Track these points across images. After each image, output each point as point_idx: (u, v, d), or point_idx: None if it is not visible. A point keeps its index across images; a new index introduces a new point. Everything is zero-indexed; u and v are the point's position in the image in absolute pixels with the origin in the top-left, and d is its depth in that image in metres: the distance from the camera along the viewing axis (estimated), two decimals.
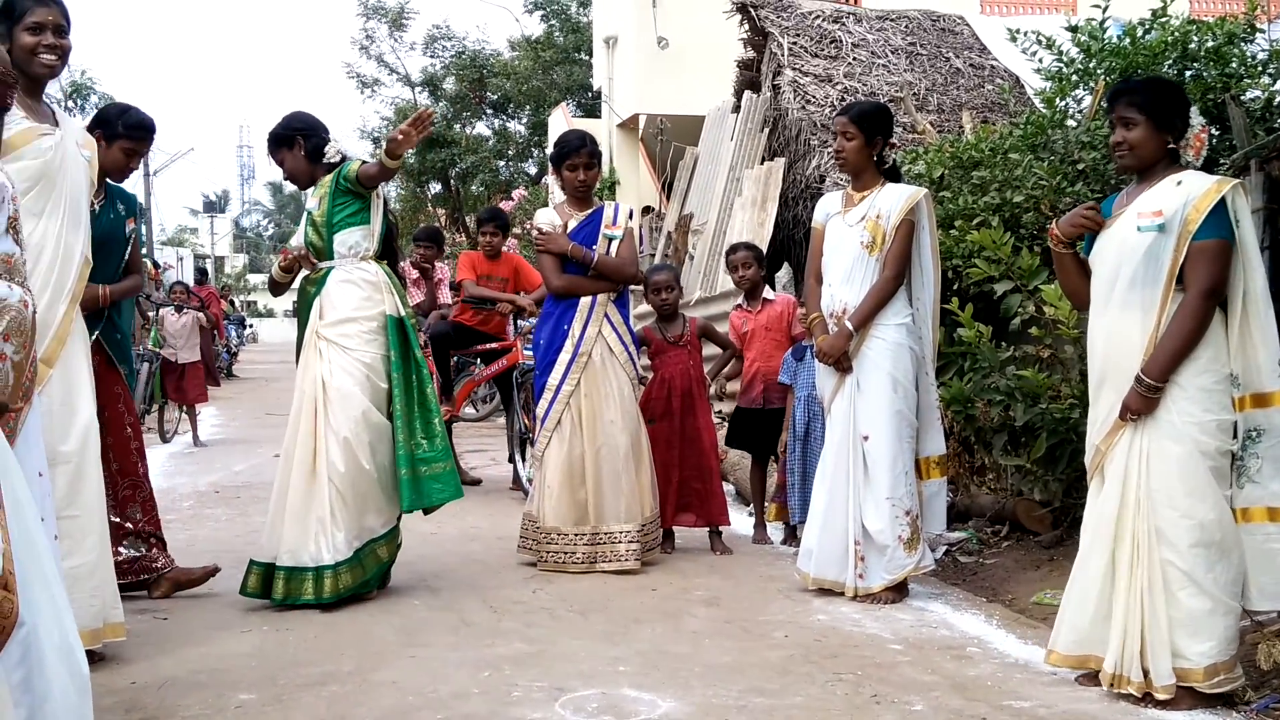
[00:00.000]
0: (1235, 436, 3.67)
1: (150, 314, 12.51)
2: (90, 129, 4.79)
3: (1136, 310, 3.72)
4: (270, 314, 73.35)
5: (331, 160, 5.40)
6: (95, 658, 3.92)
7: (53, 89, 4.35)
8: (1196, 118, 3.82)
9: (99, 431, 4.30)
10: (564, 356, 5.86)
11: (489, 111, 29.37)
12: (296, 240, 5.48)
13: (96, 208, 4.74)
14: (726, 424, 7.25)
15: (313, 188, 5.42)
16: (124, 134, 4.99)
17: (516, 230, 18.06)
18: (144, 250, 5.45)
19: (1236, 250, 3.65)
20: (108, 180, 4.98)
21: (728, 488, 7.46)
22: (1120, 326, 3.76)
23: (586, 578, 5.65)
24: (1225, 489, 3.65)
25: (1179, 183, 3.73)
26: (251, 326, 55.83)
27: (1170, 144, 3.79)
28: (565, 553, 5.75)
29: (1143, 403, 3.67)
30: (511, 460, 8.71)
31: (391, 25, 29.63)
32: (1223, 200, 3.64)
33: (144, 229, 5.61)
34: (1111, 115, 3.88)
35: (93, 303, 4.69)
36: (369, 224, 5.33)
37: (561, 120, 22.62)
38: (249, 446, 11.56)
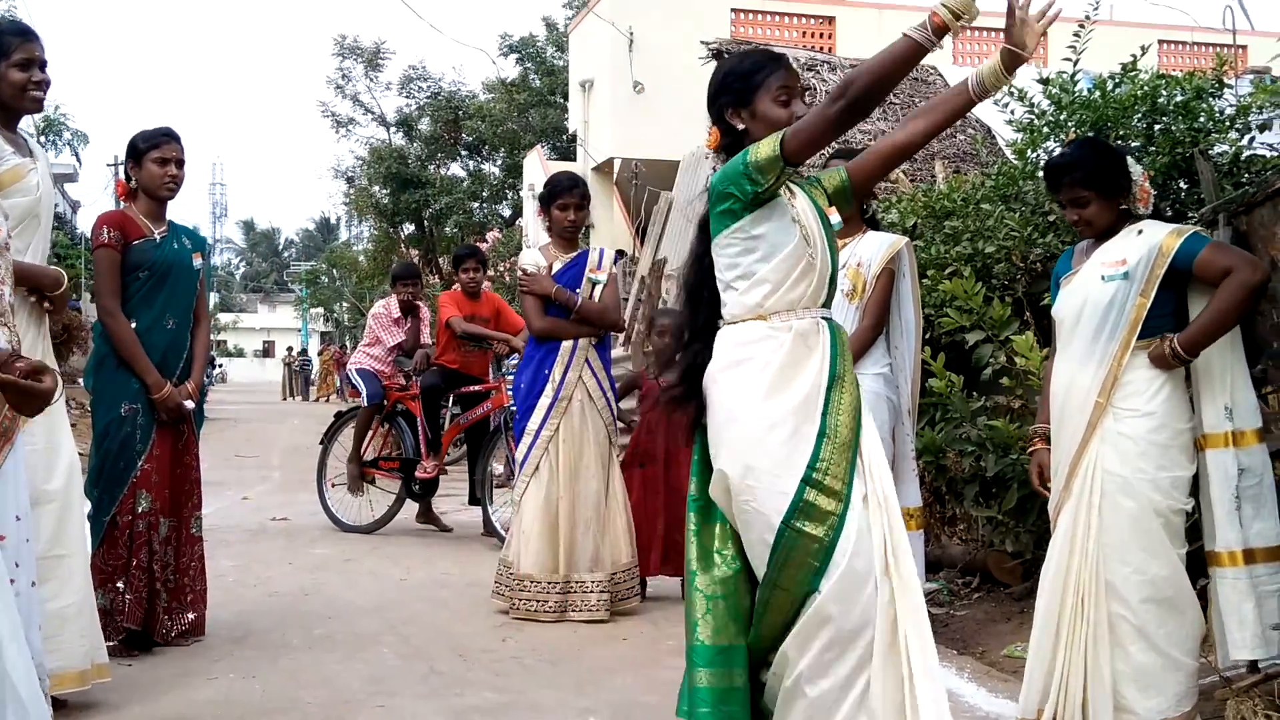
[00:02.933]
0: (1190, 494, 3.69)
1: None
2: (126, 165, 5.15)
3: (1093, 362, 3.74)
4: (240, 353, 73.06)
5: None
6: (59, 705, 3.85)
7: (25, 123, 4.40)
8: (1135, 168, 3.87)
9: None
10: (544, 401, 5.83)
11: (464, 153, 29.44)
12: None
13: (157, 237, 5.03)
14: None
15: None
16: (145, 148, 5.06)
17: (490, 272, 18.07)
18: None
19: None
20: (171, 220, 5.16)
21: None
22: (1079, 378, 3.78)
23: (558, 626, 5.61)
24: (1178, 547, 3.67)
25: (1140, 231, 3.78)
26: (221, 366, 55.62)
27: (1122, 205, 3.84)
28: (538, 601, 5.71)
29: (1168, 365, 3.68)
30: (478, 504, 8.59)
31: (367, 65, 29.71)
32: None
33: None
34: (1058, 195, 3.92)
35: (177, 410, 5.03)
36: None
37: (536, 163, 22.70)
38: (216, 489, 11.45)
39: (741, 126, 3.22)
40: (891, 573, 2.98)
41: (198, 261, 5.19)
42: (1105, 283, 3.75)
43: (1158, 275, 3.68)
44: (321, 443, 9.37)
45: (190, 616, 5.14)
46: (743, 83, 3.25)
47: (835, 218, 3.25)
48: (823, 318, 3.16)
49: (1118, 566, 3.64)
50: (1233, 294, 3.62)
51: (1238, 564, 3.68)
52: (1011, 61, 3.07)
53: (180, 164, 5.09)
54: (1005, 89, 7.05)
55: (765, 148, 3.04)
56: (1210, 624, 3.78)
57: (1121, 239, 3.80)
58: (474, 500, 8.59)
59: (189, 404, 5.05)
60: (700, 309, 3.32)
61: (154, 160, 5.02)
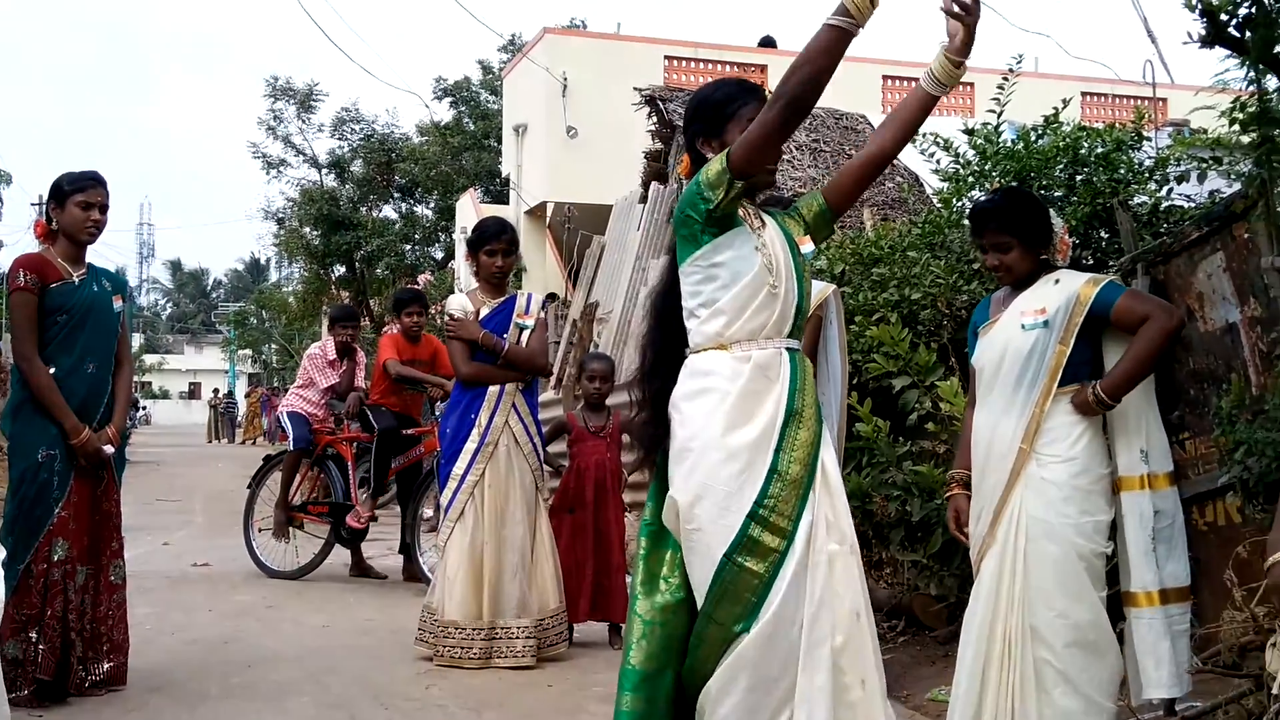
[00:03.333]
0: (1110, 537, 3.74)
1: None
2: (48, 206, 5.05)
3: (1015, 409, 3.79)
4: (165, 395, 71.93)
5: None
6: None
7: None
8: (1057, 222, 3.95)
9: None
10: (470, 446, 5.79)
11: (396, 195, 29.34)
12: None
13: (76, 280, 4.94)
14: (638, 514, 7.18)
15: None
16: (70, 190, 4.97)
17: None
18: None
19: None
20: (90, 262, 5.08)
21: (630, 580, 7.38)
22: (1001, 425, 3.82)
23: (483, 673, 5.54)
24: (1100, 590, 3.71)
25: (1057, 281, 3.84)
26: (145, 409, 54.72)
27: (1043, 255, 3.91)
28: (462, 647, 5.64)
29: (1091, 411, 3.73)
30: (404, 551, 8.50)
31: (300, 107, 29.56)
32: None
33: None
34: (980, 240, 3.97)
35: (96, 455, 4.92)
36: None
37: (469, 206, 22.67)
38: (137, 534, 11.20)
39: (711, 156, 3.20)
40: (834, 604, 3.01)
41: (119, 304, 5.10)
42: (1026, 331, 3.80)
43: (1076, 323, 3.75)
44: (249, 486, 9.22)
45: (107, 666, 5.01)
46: (715, 112, 3.26)
47: (808, 247, 3.23)
48: (788, 349, 3.15)
49: (1042, 611, 3.67)
50: (1151, 340, 3.70)
51: (1154, 604, 3.76)
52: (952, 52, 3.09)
53: (104, 209, 5.02)
54: (932, 138, 7.18)
55: (714, 164, 3.07)
56: (1126, 665, 3.84)
57: (1039, 288, 3.86)
58: (404, 546, 8.49)
59: (109, 449, 4.95)
60: (668, 337, 3.34)
61: (77, 204, 4.95)
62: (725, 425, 3.05)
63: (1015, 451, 3.75)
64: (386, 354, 8.41)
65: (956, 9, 3.10)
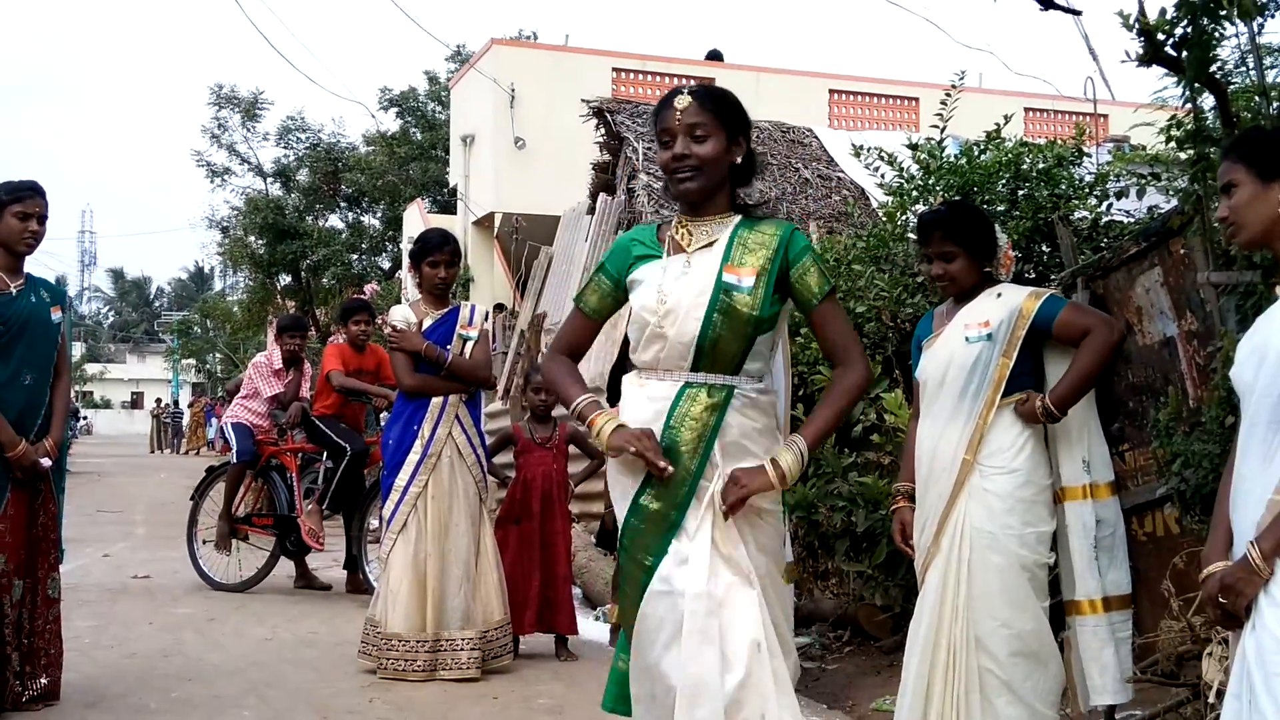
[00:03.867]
0: (1051, 548, 3.79)
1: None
2: None
3: (961, 418, 3.82)
4: (107, 405, 70.94)
5: None
6: None
7: None
8: (1001, 237, 4.01)
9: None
10: (412, 457, 5.76)
11: (343, 205, 29.12)
12: None
13: (14, 291, 4.86)
14: (586, 526, 7.17)
15: None
16: (7, 200, 4.90)
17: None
18: None
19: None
20: (28, 272, 5.02)
21: (575, 591, 7.37)
22: (946, 433, 3.85)
23: (427, 686, 5.51)
24: (1043, 600, 3.76)
25: (999, 295, 3.89)
26: (86, 418, 53.88)
27: (986, 268, 3.95)
28: (406, 660, 5.60)
29: (1037, 421, 3.79)
30: (349, 563, 8.45)
31: (244, 115, 29.27)
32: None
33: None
34: (927, 248, 4.00)
35: (33, 468, 4.85)
36: None
37: (416, 216, 22.57)
38: (76, 545, 11.03)
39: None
40: (729, 637, 2.91)
41: (57, 315, 5.03)
42: (969, 344, 3.84)
43: (1019, 336, 3.80)
44: (192, 498, 9.11)
45: (44, 681, 4.93)
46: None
47: (738, 279, 3.03)
48: (688, 382, 3.03)
49: (986, 621, 3.70)
50: (1095, 353, 3.77)
51: (1098, 611, 3.83)
52: None
53: (42, 219, 4.96)
54: (878, 152, 7.24)
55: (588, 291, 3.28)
56: (1069, 673, 3.88)
57: (982, 301, 3.90)
58: (349, 559, 8.42)
59: (46, 462, 4.87)
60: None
61: (15, 214, 4.88)
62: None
63: (959, 463, 3.79)
64: (331, 364, 8.35)
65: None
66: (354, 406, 8.56)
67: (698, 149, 3.05)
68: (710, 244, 3.09)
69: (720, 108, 3.09)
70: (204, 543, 8.77)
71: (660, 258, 3.13)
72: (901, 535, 4.06)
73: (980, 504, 3.75)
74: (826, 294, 3.08)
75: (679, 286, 3.06)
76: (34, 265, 5.07)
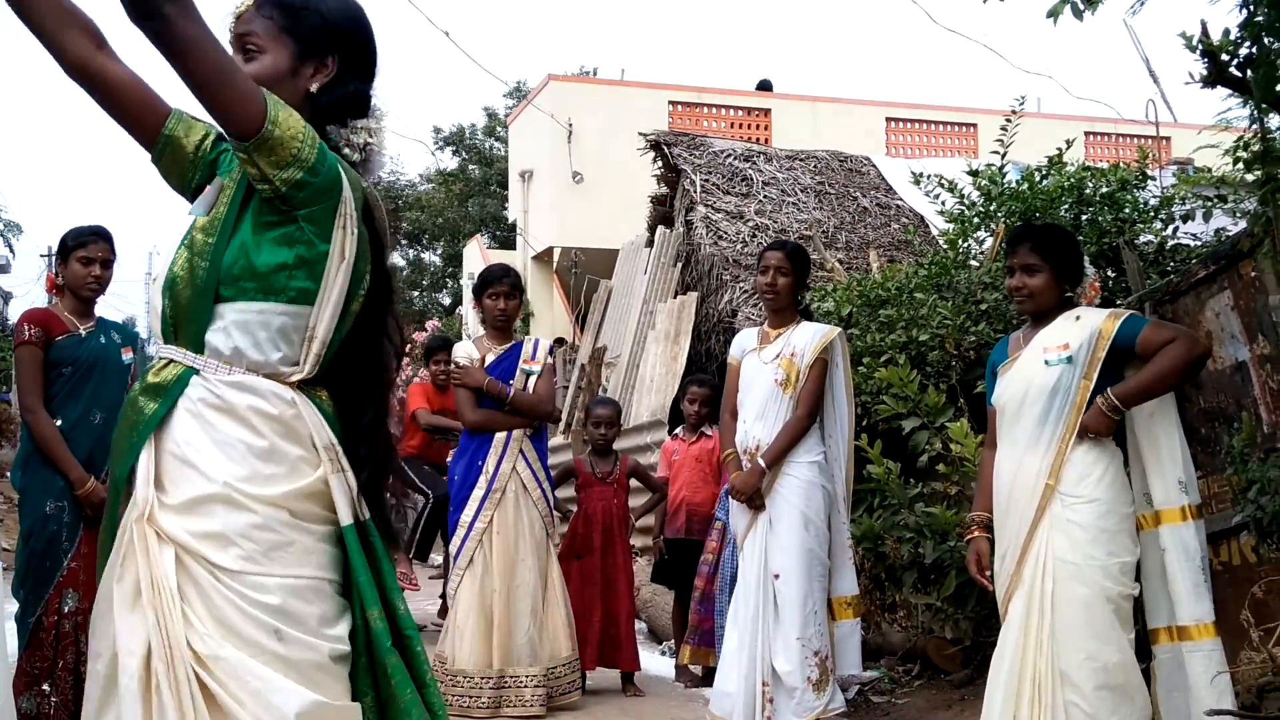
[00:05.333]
0: (1137, 578, 3.71)
1: None
2: (56, 261, 5.17)
3: (1041, 448, 3.76)
4: None
5: None
6: None
7: None
8: (1090, 269, 3.95)
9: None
10: (477, 493, 5.78)
11: (404, 242, 29.46)
12: None
13: (82, 333, 4.98)
14: (650, 559, 7.15)
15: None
16: (72, 246, 5.01)
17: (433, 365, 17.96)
18: None
19: None
20: (99, 315, 5.12)
21: (640, 625, 7.36)
22: (1025, 463, 3.79)
23: None
24: (1128, 631, 3.68)
25: (1078, 317, 3.83)
26: None
27: (1068, 293, 3.89)
28: (471, 696, 5.60)
29: (1102, 422, 3.70)
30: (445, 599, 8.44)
31: None
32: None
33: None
34: (1012, 259, 3.96)
35: (103, 506, 4.77)
36: None
37: (476, 252, 22.75)
38: None
39: None
40: None
41: (128, 355, 5.12)
42: (1049, 367, 3.79)
43: (1099, 358, 3.73)
44: None
45: None
46: None
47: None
48: (163, 355, 2.35)
49: (1071, 654, 3.63)
50: (1174, 359, 3.67)
51: (1211, 635, 3.66)
52: None
53: (106, 264, 5.06)
54: (937, 179, 7.21)
55: None
56: (1155, 706, 3.78)
57: (1061, 324, 3.84)
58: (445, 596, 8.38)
59: None
60: None
61: (79, 259, 4.99)
62: None
63: (1041, 489, 3.72)
64: (416, 403, 8.33)
65: None
66: (439, 445, 8.55)
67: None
68: None
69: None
70: None
71: None
72: (977, 565, 4.00)
73: (1063, 534, 3.69)
74: None
75: None
76: (106, 309, 5.17)
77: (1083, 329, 3.79)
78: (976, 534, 4.03)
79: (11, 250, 30.23)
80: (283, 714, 2.07)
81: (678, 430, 7.01)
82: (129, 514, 2.20)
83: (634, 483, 6.70)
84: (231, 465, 2.17)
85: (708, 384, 6.92)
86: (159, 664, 2.08)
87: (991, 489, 3.94)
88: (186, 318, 2.23)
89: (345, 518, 2.26)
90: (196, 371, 2.22)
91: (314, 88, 2.34)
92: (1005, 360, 3.98)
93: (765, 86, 20.91)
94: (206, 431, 2.20)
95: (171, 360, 2.24)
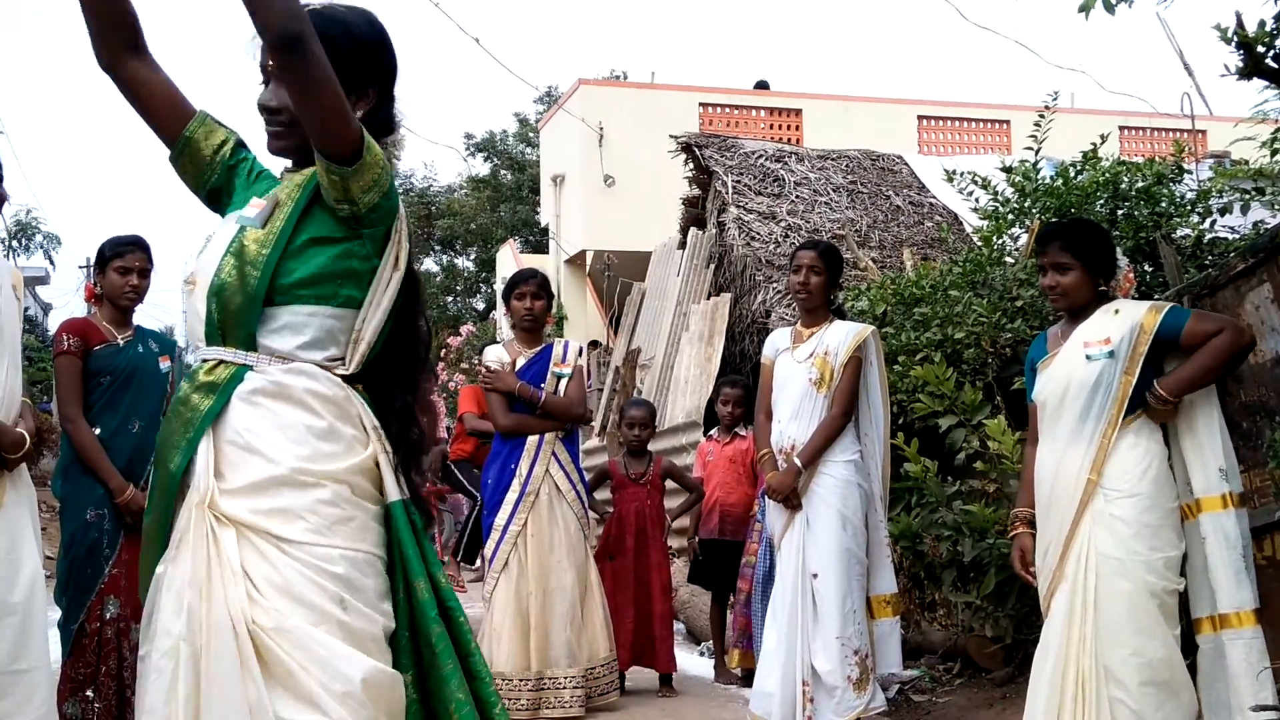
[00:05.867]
0: (1182, 573, 3.67)
1: None
2: (94, 271, 5.19)
3: (1083, 443, 3.73)
4: None
5: None
6: None
7: None
8: (1122, 259, 3.92)
9: None
10: (511, 496, 5.79)
11: (437, 248, 29.58)
12: None
13: (120, 342, 5.03)
14: (688, 560, 7.16)
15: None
16: (109, 256, 5.06)
17: (465, 365, 18.05)
18: None
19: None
20: (137, 324, 5.19)
21: (678, 626, 7.35)
22: (1067, 458, 3.77)
23: None
24: (1173, 627, 3.64)
25: (1117, 311, 3.80)
26: None
27: (1101, 286, 3.87)
28: (510, 698, 5.61)
29: (1160, 414, 3.70)
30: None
31: None
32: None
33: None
34: (1043, 258, 3.94)
35: (142, 513, 4.81)
36: None
37: (509, 256, 22.82)
38: None
39: None
40: None
41: (166, 364, 5.17)
42: (1090, 362, 3.76)
43: (1141, 352, 3.70)
44: None
45: None
46: None
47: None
48: (208, 358, 2.45)
49: (1115, 650, 3.61)
50: (1220, 349, 3.65)
51: (1251, 623, 3.61)
52: None
53: (144, 274, 5.09)
54: (971, 176, 7.17)
55: None
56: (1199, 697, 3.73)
57: (1100, 318, 3.82)
58: None
59: None
60: None
61: (116, 269, 5.03)
62: None
63: (1083, 484, 3.70)
64: (466, 407, 8.36)
65: None
66: (489, 449, 8.60)
67: None
68: None
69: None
70: None
71: None
72: (1021, 562, 3.98)
73: (1106, 529, 3.66)
74: None
75: None
76: (146, 318, 5.22)
77: (1123, 322, 3.76)
78: (1020, 529, 4.01)
79: (52, 262, 30.57)
80: (349, 679, 2.19)
81: (712, 431, 7.01)
82: (188, 501, 2.30)
83: (671, 484, 6.70)
84: (295, 446, 2.31)
85: (740, 384, 6.92)
86: (203, 639, 2.20)
87: (1034, 485, 3.92)
88: (236, 321, 2.37)
89: (394, 494, 2.42)
90: (250, 368, 2.36)
91: (359, 115, 2.44)
92: (1045, 356, 3.95)
93: (762, 86, 20.83)
94: (266, 418, 2.33)
95: (222, 360, 2.37)
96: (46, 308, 35.75)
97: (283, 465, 2.28)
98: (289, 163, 2.54)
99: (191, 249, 2.49)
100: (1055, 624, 3.74)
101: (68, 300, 37.87)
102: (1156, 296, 5.39)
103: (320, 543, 2.27)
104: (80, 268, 36.39)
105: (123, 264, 5.04)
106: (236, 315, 2.36)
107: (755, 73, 19.87)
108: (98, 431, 4.90)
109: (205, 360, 2.40)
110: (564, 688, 5.65)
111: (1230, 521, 3.66)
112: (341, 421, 2.37)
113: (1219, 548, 3.65)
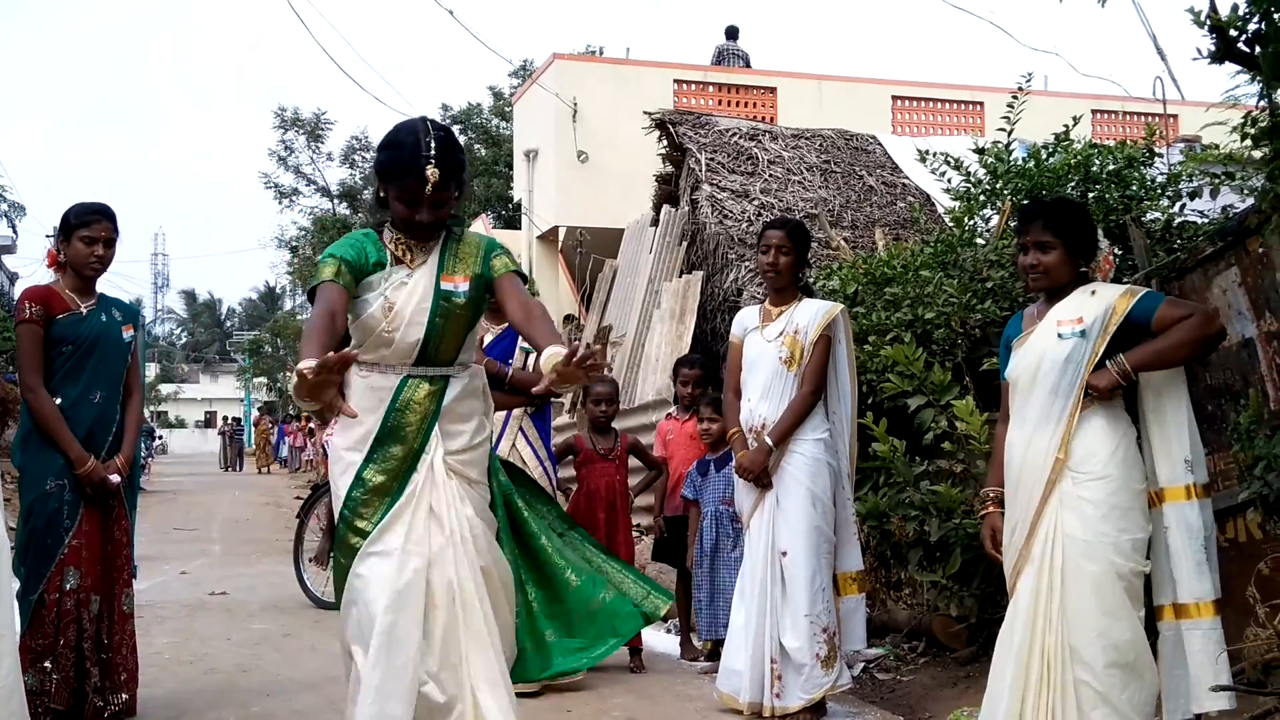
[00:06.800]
0: (1148, 556, 3.69)
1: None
2: (57, 238, 5.10)
3: (1052, 422, 3.73)
4: (181, 424, 72.11)
5: None
6: None
7: None
8: (1104, 242, 3.91)
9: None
10: None
11: None
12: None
13: (84, 311, 4.96)
14: (651, 537, 7.17)
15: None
16: (75, 225, 4.98)
17: None
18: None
19: None
20: (101, 292, 5.13)
21: None
22: (1036, 438, 3.77)
23: None
24: (1138, 609, 3.66)
25: (1093, 292, 3.79)
26: (161, 438, 54.81)
27: (1082, 267, 3.85)
28: None
29: (1108, 380, 3.67)
30: None
31: (309, 136, 29.70)
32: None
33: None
34: (1024, 237, 3.90)
35: (103, 485, 4.91)
36: None
37: (481, 231, 22.69)
38: (153, 563, 11.21)
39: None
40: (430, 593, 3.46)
41: (129, 333, 5.11)
42: (1062, 340, 3.75)
43: (1110, 332, 3.68)
44: (298, 515, 9.21)
45: (123, 696, 4.99)
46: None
47: (454, 286, 3.55)
48: (410, 375, 3.55)
49: (1082, 631, 3.62)
50: (1189, 331, 3.62)
51: (1210, 614, 3.63)
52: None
53: (109, 243, 5.02)
54: (943, 157, 7.18)
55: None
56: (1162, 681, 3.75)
57: (1076, 298, 3.80)
58: None
59: (115, 478, 4.94)
60: None
61: (81, 238, 4.95)
62: (339, 432, 3.60)
63: (1051, 464, 3.70)
64: None
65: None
66: None
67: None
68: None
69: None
70: (310, 560, 8.79)
71: None
72: (991, 541, 3.98)
73: (1073, 512, 3.66)
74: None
75: (405, 297, 3.61)
76: (108, 288, 5.15)
77: (1098, 303, 3.75)
78: (991, 509, 4.00)
79: (15, 231, 30.25)
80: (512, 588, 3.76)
81: (671, 410, 7.01)
82: (424, 459, 3.52)
83: (634, 461, 6.70)
84: (476, 428, 3.66)
85: (698, 364, 6.92)
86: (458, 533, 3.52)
87: (1004, 464, 3.92)
88: (445, 349, 3.58)
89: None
90: (453, 376, 3.61)
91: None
92: (1019, 334, 3.94)
93: (732, 33, 20.52)
94: (466, 406, 3.64)
95: (434, 375, 3.57)
96: (13, 276, 35.38)
97: (474, 440, 3.66)
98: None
99: (388, 305, 3.53)
100: (1021, 604, 3.75)
101: (34, 270, 37.45)
102: (1125, 279, 5.42)
103: (485, 483, 3.71)
104: (47, 237, 36.01)
105: (88, 233, 4.96)
106: (446, 345, 3.61)
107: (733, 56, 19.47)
108: (59, 401, 4.85)
109: (422, 374, 3.59)
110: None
111: (1194, 512, 3.67)
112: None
113: (1181, 538, 3.66)
